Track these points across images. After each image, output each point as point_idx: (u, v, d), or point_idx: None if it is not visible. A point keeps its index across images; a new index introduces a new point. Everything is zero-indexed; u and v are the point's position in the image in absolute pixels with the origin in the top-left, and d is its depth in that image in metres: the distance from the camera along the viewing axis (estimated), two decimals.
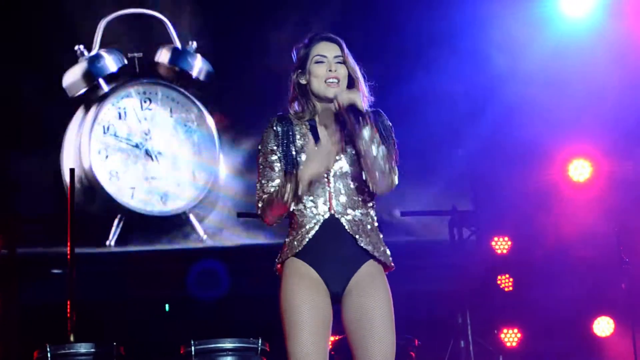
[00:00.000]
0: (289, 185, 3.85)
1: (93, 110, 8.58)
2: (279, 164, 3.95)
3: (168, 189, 8.67)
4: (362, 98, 3.90)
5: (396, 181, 3.91)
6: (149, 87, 8.75)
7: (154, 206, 8.63)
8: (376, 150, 3.83)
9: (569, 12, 8.42)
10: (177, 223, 8.76)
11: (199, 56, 8.81)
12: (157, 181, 8.65)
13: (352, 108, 3.82)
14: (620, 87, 8.12)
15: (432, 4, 9.09)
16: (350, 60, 4.01)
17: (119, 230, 8.51)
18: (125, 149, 8.64)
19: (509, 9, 8.45)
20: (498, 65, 8.75)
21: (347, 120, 3.86)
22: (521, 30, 8.44)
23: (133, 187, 8.57)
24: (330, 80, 3.95)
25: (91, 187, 8.59)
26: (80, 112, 8.70)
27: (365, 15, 9.08)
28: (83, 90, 8.61)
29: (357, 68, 4.02)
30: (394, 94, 8.76)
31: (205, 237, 8.74)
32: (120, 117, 8.63)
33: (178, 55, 8.77)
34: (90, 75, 8.54)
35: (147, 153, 8.65)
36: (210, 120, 8.82)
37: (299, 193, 3.85)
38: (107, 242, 8.54)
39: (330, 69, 3.96)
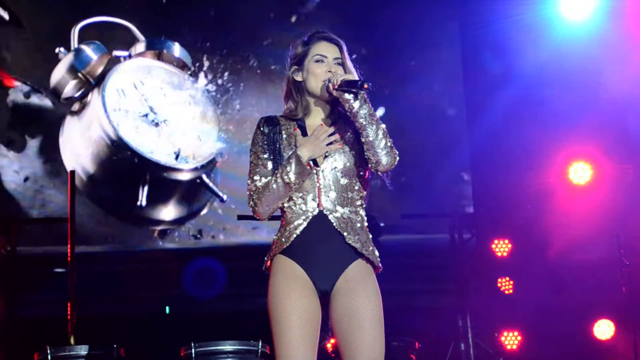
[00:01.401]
0: (289, 165, 3.84)
1: (96, 93, 8.76)
2: (270, 163, 3.95)
3: (181, 151, 8.91)
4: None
5: (397, 159, 3.89)
6: (139, 65, 8.93)
7: (174, 165, 8.90)
8: (376, 126, 3.83)
9: (569, 15, 8.42)
10: (195, 185, 8.95)
11: (176, 43, 9.00)
12: (171, 145, 8.88)
13: (347, 84, 3.81)
14: (620, 89, 8.13)
15: (433, 5, 9.11)
16: (349, 63, 4.00)
17: (146, 189, 8.69)
18: (135, 120, 8.81)
19: (508, 11, 8.46)
20: (498, 68, 8.76)
21: (342, 100, 3.85)
22: (521, 33, 8.45)
23: (151, 151, 8.76)
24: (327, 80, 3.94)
25: (116, 153, 8.80)
26: (76, 107, 8.89)
27: (357, 18, 9.13)
28: (71, 87, 8.78)
29: (354, 71, 4.00)
30: (394, 98, 8.80)
31: (225, 197, 8.95)
32: (120, 97, 8.79)
33: (155, 43, 9.02)
34: (74, 68, 8.71)
35: (155, 121, 8.82)
36: (205, 89, 9.04)
37: (301, 172, 3.83)
38: (138, 203, 8.75)
39: (330, 70, 3.95)
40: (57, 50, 8.76)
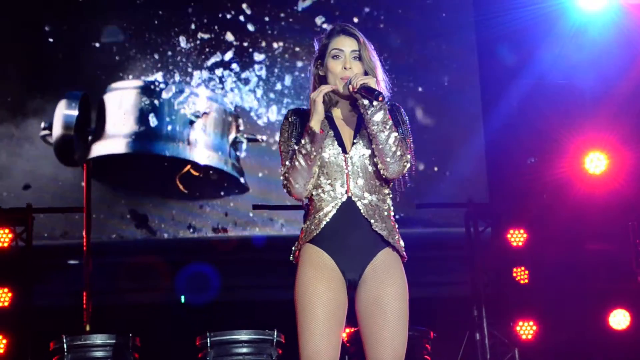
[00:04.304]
0: (304, 138, 3.85)
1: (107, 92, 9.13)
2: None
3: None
4: (378, 85, 3.89)
5: (407, 168, 3.90)
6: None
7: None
8: (388, 134, 3.84)
9: (585, 4, 8.38)
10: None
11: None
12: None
13: (365, 90, 3.82)
14: (636, 78, 8.09)
15: None
16: (368, 54, 4.00)
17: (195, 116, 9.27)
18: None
19: (524, 0, 8.44)
20: (513, 57, 8.74)
21: (359, 103, 3.87)
22: (537, 22, 8.43)
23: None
24: (345, 78, 3.96)
25: (155, 97, 9.30)
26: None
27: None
28: (77, 141, 9.04)
29: (376, 62, 4.01)
30: (409, 87, 8.79)
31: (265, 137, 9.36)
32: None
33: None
34: (66, 123, 9.03)
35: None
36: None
37: (313, 140, 3.82)
38: (199, 113, 9.23)
39: (345, 66, 3.97)
40: (42, 127, 9.05)
